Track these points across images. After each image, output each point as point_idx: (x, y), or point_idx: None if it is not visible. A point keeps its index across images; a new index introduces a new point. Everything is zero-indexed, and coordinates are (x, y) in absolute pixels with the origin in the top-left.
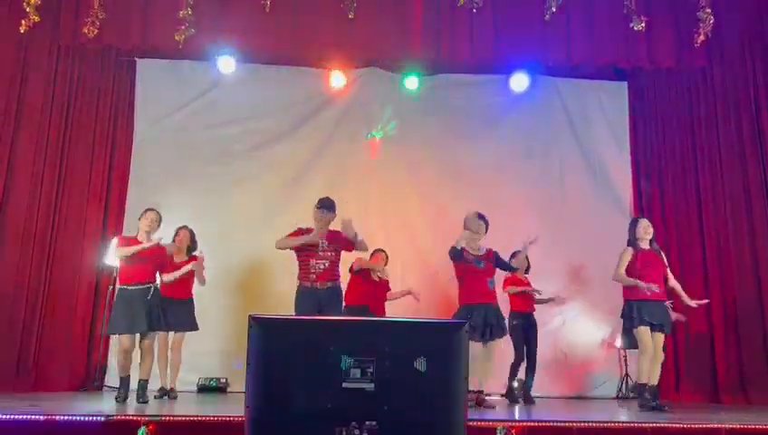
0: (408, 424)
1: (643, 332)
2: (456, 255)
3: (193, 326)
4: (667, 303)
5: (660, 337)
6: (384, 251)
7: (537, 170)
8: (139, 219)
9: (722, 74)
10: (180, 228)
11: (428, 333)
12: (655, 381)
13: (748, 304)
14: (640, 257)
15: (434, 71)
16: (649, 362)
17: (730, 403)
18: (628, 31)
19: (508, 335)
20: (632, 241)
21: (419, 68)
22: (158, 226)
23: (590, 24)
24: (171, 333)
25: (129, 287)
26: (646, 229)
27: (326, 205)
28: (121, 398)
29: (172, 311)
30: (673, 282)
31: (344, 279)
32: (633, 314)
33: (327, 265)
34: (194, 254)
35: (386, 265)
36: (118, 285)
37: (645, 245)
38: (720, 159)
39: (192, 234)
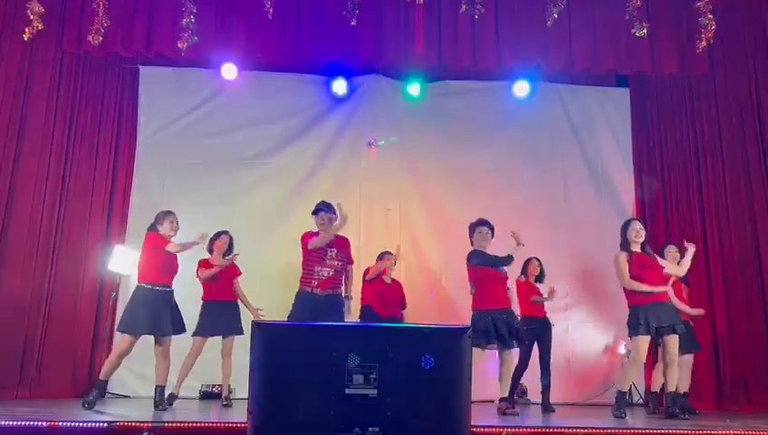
0: (412, 430)
1: (641, 341)
2: (479, 258)
3: (238, 330)
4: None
5: (674, 339)
6: (392, 253)
7: (539, 177)
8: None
9: (724, 80)
10: (222, 233)
11: (432, 339)
12: (673, 387)
13: (753, 310)
14: (635, 260)
15: (436, 77)
16: (637, 372)
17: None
18: (630, 37)
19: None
20: (624, 244)
21: (422, 75)
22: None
23: (593, 31)
24: (219, 338)
25: (155, 287)
26: (638, 232)
27: (323, 206)
28: (91, 404)
29: (219, 314)
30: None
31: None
32: (640, 320)
33: (331, 273)
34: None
35: (395, 264)
36: (139, 283)
37: (636, 248)
38: (723, 166)
39: (231, 239)
